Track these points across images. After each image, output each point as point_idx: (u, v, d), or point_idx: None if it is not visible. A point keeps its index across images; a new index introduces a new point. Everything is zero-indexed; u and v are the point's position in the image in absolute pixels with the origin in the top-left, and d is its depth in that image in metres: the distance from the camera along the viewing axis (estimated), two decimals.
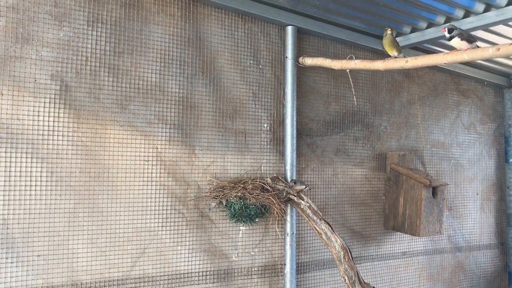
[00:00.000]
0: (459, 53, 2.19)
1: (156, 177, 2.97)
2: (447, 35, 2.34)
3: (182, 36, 3.10)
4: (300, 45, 3.62)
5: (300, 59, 3.51)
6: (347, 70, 3.12)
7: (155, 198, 2.97)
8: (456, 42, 2.27)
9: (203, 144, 3.17)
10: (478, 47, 2.25)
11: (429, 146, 4.53)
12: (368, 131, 4.07)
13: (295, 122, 3.51)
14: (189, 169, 3.10)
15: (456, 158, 4.75)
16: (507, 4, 3.07)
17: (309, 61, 3.42)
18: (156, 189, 2.97)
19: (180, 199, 3.05)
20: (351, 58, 3.10)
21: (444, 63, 2.28)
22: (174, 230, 3.03)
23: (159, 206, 2.98)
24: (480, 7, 3.20)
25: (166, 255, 3.00)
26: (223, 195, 3.10)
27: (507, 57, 4.06)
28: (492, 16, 3.18)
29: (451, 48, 2.42)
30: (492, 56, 1.98)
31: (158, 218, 2.98)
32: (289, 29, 3.50)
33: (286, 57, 3.51)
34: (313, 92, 3.74)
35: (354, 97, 3.80)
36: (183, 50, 3.11)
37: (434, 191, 3.84)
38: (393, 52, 2.84)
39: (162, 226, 2.99)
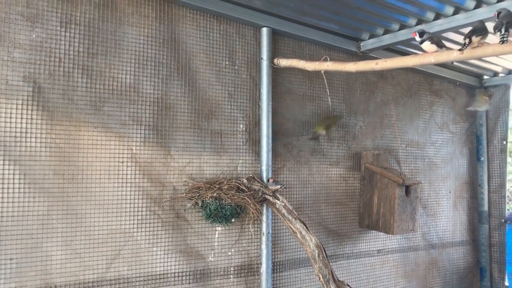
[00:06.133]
0: (426, 55, 2.25)
1: (131, 178, 2.97)
2: (418, 39, 2.39)
3: (157, 37, 3.10)
4: (276, 47, 3.65)
5: (275, 60, 3.54)
6: (322, 72, 3.16)
7: (130, 199, 2.97)
8: (427, 45, 2.32)
9: (179, 145, 3.17)
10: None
11: (404, 145, 4.61)
12: (343, 131, 4.13)
13: (270, 123, 3.53)
14: (165, 170, 3.11)
15: (430, 157, 4.85)
16: (475, 7, 3.15)
17: (283, 62, 3.46)
18: (131, 191, 2.97)
19: (155, 200, 3.06)
20: (325, 60, 3.15)
21: (412, 65, 2.34)
22: (149, 231, 3.03)
23: (134, 207, 2.98)
24: (449, 9, 3.28)
25: (142, 256, 3.00)
26: (198, 195, 3.11)
27: (473, 59, 4.13)
28: (461, 18, 3.26)
29: (423, 50, 2.48)
30: (457, 58, 2.04)
31: (133, 220, 2.98)
32: (264, 30, 3.53)
33: (262, 58, 3.54)
34: (289, 93, 3.78)
35: (329, 97, 3.85)
36: (158, 51, 3.11)
37: (407, 189, 3.92)
38: None
39: (137, 228, 2.99)
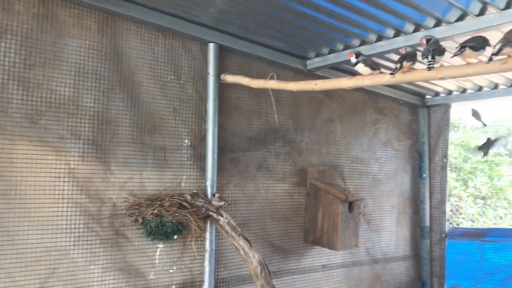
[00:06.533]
0: (362, 78, 2.32)
1: (68, 194, 2.87)
2: (353, 60, 2.46)
3: (98, 49, 3.04)
4: (223, 62, 3.65)
5: (222, 76, 3.55)
6: (269, 89, 3.19)
7: (67, 216, 2.87)
8: (360, 67, 2.39)
9: (120, 160, 3.10)
10: (381, 73, 2.39)
11: (349, 161, 4.70)
12: (290, 147, 4.17)
13: (216, 138, 3.53)
14: (104, 186, 3.02)
15: (374, 173, 4.97)
16: (414, 31, 3.27)
17: (230, 78, 3.48)
18: (67, 207, 2.87)
19: (93, 217, 2.97)
20: (272, 77, 3.19)
21: (348, 87, 2.40)
22: (86, 249, 2.93)
23: (70, 224, 2.88)
24: (390, 32, 3.39)
25: (78, 275, 2.90)
26: (139, 212, 3.05)
27: (404, 83, 4.25)
28: (401, 41, 3.37)
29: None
30: (389, 82, 2.12)
31: (70, 237, 2.87)
32: (211, 46, 3.53)
33: (208, 74, 3.54)
34: (236, 109, 3.79)
35: (275, 114, 3.88)
36: (100, 64, 3.05)
37: (351, 205, 3.99)
38: None
39: (73, 245, 2.89)
